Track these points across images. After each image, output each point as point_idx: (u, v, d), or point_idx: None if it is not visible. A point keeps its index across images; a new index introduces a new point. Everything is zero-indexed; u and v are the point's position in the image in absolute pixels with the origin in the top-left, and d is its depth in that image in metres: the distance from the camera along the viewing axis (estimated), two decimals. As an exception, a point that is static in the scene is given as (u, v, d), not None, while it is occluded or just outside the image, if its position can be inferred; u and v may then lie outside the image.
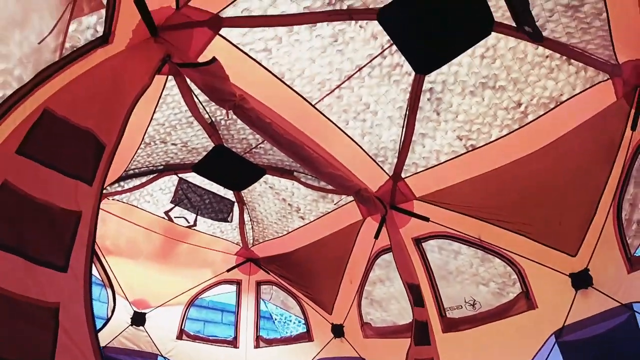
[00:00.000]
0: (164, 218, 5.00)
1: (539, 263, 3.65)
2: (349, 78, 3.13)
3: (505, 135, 3.55)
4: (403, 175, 3.91)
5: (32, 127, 1.78)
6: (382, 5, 2.74)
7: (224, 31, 2.83)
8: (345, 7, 2.73)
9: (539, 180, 3.71)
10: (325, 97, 3.21)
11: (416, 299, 3.71)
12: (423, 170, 3.87)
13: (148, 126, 3.65)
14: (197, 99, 3.46)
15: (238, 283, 5.82)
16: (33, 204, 1.73)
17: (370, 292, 4.87)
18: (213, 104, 3.31)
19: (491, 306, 3.98)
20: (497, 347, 3.83)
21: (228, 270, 5.64)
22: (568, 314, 3.48)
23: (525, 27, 2.83)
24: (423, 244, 4.36)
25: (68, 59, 1.98)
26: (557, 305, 3.54)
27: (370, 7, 2.76)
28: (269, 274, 5.73)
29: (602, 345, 3.34)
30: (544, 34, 3.00)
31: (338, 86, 3.17)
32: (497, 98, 3.34)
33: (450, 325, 4.10)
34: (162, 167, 4.53)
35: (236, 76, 2.87)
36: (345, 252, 4.70)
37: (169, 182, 4.79)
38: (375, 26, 2.84)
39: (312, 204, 4.26)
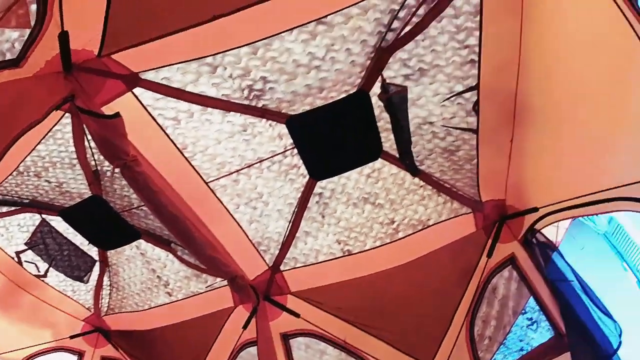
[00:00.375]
0: (13, 258, 4.28)
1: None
2: (249, 166, 3.30)
3: (378, 247, 3.96)
4: (282, 268, 4.00)
5: None
6: (293, 113, 3.07)
7: (137, 90, 2.85)
8: (260, 105, 3.00)
9: (402, 292, 4.13)
10: (222, 177, 3.30)
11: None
12: (302, 267, 4.02)
13: (27, 155, 3.29)
14: (89, 144, 3.28)
15: (80, 354, 4.97)
16: None
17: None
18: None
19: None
20: None
21: (71, 337, 4.84)
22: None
23: (406, 160, 3.37)
24: (290, 340, 4.33)
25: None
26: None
27: (283, 111, 3.07)
28: (117, 350, 5.02)
29: None
30: (422, 168, 3.62)
31: (237, 170, 3.31)
32: (375, 213, 3.79)
33: None
34: (27, 201, 4.00)
35: (137, 136, 2.84)
36: (210, 339, 4.41)
37: (30, 221, 4.20)
38: (283, 128, 3.13)
39: (183, 281, 4.04)
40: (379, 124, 3.26)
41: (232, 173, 3.31)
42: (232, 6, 2.33)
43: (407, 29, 2.75)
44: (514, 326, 4.63)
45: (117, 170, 3.00)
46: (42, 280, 4.53)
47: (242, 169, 3.30)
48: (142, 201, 2.87)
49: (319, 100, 3.03)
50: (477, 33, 2.74)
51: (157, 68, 2.74)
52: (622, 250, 8.87)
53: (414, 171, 3.38)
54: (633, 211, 2.99)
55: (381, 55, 2.86)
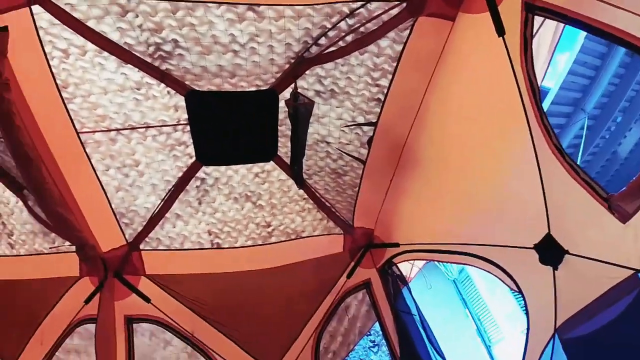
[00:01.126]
0: None
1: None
2: (132, 128, 3.00)
3: (248, 246, 3.94)
4: (141, 247, 3.69)
5: None
6: (196, 88, 2.92)
7: (35, 9, 2.41)
8: (163, 68, 2.78)
9: (261, 295, 4.19)
10: (98, 131, 2.95)
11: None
12: (164, 250, 3.76)
13: None
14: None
15: None
16: None
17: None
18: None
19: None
20: None
21: None
22: None
23: (295, 167, 3.45)
24: (134, 324, 4.02)
25: None
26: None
27: (186, 83, 2.89)
28: None
29: None
30: (309, 182, 3.74)
31: (118, 130, 2.99)
32: (254, 213, 3.78)
33: None
34: None
35: (16, 58, 2.40)
36: (46, 306, 3.80)
37: None
38: (180, 100, 2.95)
39: (29, 235, 3.43)
40: (279, 129, 3.31)
41: (111, 130, 2.96)
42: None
43: (332, 49, 2.87)
44: (357, 345, 5.03)
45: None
46: None
47: (123, 129, 2.98)
48: (-1, 131, 2.39)
49: (227, 84, 2.95)
50: (390, 77, 2.98)
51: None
52: (467, 298, 10.26)
53: (300, 182, 3.48)
54: (481, 268, 3.53)
55: (301, 64, 2.93)
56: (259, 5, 2.53)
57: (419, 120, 3.22)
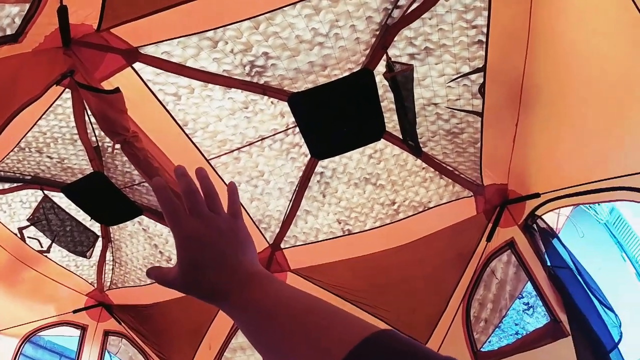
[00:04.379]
0: (15, 234, 4.31)
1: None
2: (250, 144, 3.27)
3: (378, 227, 3.96)
4: (282, 246, 4.03)
5: None
6: (295, 91, 3.03)
7: (137, 65, 2.81)
8: (262, 82, 2.95)
9: (400, 272, 4.16)
10: (223, 155, 3.28)
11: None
12: (302, 245, 4.04)
13: (29, 131, 3.28)
14: (89, 119, 3.26)
15: (83, 328, 5.05)
16: None
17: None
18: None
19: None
20: None
21: (75, 312, 4.92)
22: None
23: (409, 141, 3.34)
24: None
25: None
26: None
27: (285, 89, 3.02)
28: (120, 324, 5.12)
29: None
30: (425, 149, 3.58)
31: (239, 148, 3.29)
32: (376, 194, 3.78)
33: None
34: (29, 177, 4.01)
35: (137, 112, 2.82)
36: (210, 315, 4.48)
37: (32, 197, 4.21)
38: (284, 106, 3.09)
39: None
40: (382, 104, 3.22)
41: (233, 151, 3.29)
42: (233, -22, 2.26)
43: (414, 6, 2.67)
44: (510, 310, 4.66)
45: (117, 146, 2.99)
46: (45, 256, 4.54)
47: (243, 146, 3.28)
48: (142, 177, 2.86)
49: (321, 78, 2.98)
50: (486, 13, 2.65)
51: (157, 42, 2.69)
52: (622, 241, 8.90)
53: (418, 152, 3.35)
54: (634, 202, 2.96)
55: (387, 33, 2.79)
56: (330, -10, 2.48)
57: (532, 53, 2.80)
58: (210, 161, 3.28)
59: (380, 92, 3.13)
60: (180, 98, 2.99)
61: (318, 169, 3.54)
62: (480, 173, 3.70)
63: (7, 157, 3.53)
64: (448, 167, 3.70)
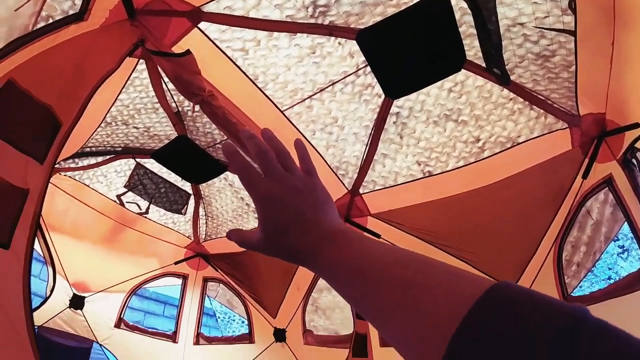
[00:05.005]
0: (115, 201, 4.82)
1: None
2: (321, 90, 3.18)
3: (461, 167, 3.73)
4: (361, 191, 4.01)
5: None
6: (362, 27, 2.82)
7: (202, 25, 2.81)
8: (327, 23, 2.79)
9: (487, 213, 3.92)
10: (295, 104, 3.25)
11: (359, 312, 3.82)
12: (381, 189, 3.98)
13: (112, 106, 3.55)
14: (167, 86, 3.40)
15: (184, 277, 5.70)
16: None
17: (316, 300, 4.93)
18: (182, 94, 3.26)
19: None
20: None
21: (176, 263, 5.51)
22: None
23: (494, 69, 3.01)
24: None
25: (41, 31, 1.91)
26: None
27: (352, 26, 2.83)
28: (217, 271, 5.66)
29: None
30: (512, 77, 3.20)
31: (310, 96, 3.22)
32: (458, 131, 3.52)
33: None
34: (120, 149, 4.39)
35: (209, 72, 2.86)
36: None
37: (125, 166, 4.64)
38: (353, 45, 2.91)
39: None
40: (460, 30, 2.87)
41: (305, 99, 3.23)
42: None
43: None
44: (604, 253, 4.20)
45: (197, 108, 3.09)
46: (145, 217, 5.06)
47: (314, 94, 3.20)
48: (223, 134, 2.95)
49: (390, 8, 2.73)
50: None
51: (217, -3, 2.64)
52: None
53: (506, 81, 3.00)
54: None
55: (463, -57, 2.44)
56: None
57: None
58: (284, 112, 3.28)
59: (457, 16, 2.79)
60: (247, 52, 2.97)
61: (393, 109, 3.37)
62: (575, 101, 3.18)
63: (96, 132, 3.85)
64: (539, 95, 3.27)
